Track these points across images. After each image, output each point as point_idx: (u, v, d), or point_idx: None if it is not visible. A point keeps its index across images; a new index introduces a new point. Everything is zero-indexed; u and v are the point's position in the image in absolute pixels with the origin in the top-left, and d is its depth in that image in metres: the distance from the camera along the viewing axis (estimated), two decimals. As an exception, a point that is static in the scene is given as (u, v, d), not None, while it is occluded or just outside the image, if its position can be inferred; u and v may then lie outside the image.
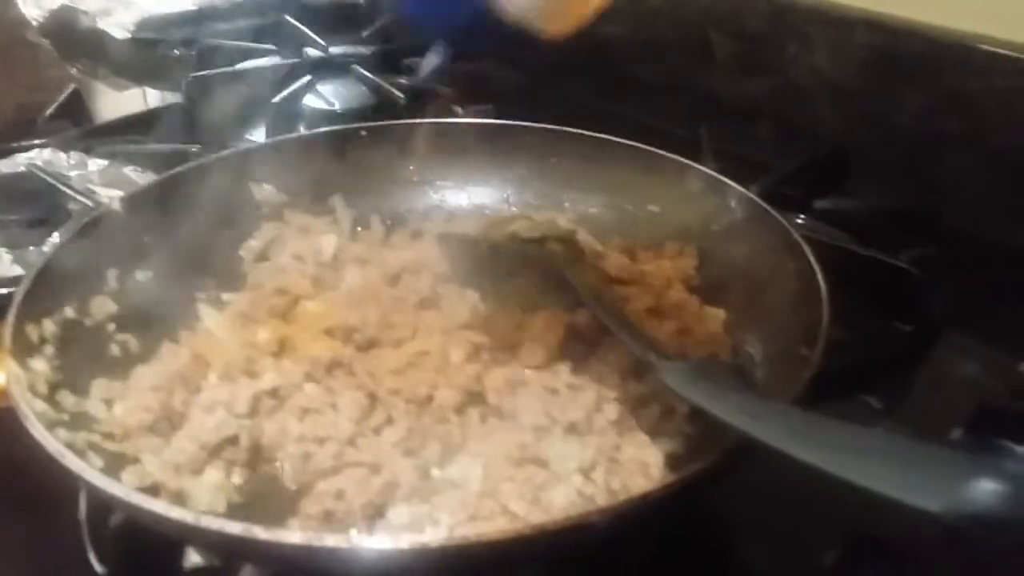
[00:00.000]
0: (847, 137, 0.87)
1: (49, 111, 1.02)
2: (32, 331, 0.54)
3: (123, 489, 0.44)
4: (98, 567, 0.53)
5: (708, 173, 0.66)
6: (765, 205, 0.62)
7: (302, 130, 0.93)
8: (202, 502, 0.50)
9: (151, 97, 1.17)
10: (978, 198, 0.79)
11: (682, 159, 0.68)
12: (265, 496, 0.52)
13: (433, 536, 0.44)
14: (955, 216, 0.77)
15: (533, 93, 1.04)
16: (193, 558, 0.52)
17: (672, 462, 0.51)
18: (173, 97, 1.11)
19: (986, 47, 0.78)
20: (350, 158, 0.73)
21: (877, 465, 0.36)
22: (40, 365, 0.53)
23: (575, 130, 0.73)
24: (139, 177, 0.90)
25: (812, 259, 0.56)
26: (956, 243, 0.75)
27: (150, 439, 0.53)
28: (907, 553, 0.51)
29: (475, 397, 0.55)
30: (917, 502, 0.33)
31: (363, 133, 0.73)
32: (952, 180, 0.81)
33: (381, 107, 0.99)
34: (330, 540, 0.40)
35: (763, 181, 0.74)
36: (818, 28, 0.89)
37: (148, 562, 0.52)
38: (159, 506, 0.42)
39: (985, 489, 0.31)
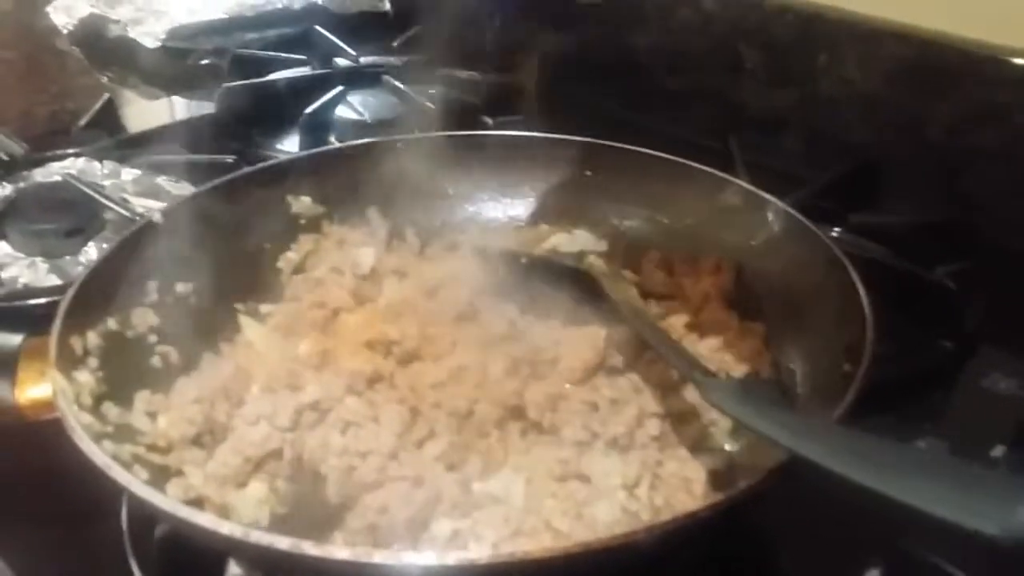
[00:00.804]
0: (878, 149, 0.87)
1: (83, 120, 1.03)
2: (76, 343, 0.54)
3: (170, 502, 0.44)
4: (141, 578, 0.53)
5: (745, 187, 0.66)
6: (804, 220, 0.62)
7: (334, 140, 0.94)
8: (246, 515, 0.50)
9: (178, 106, 1.18)
10: (1012, 211, 0.79)
11: (719, 172, 0.68)
12: (307, 509, 0.52)
13: (480, 552, 0.44)
14: (989, 229, 0.77)
15: (562, 104, 1.04)
16: (234, 570, 0.53)
17: (714, 479, 0.51)
18: (201, 107, 1.11)
19: (1017, 60, 0.78)
20: (386, 170, 0.73)
21: (929, 485, 0.36)
22: (84, 377, 0.53)
23: (611, 143, 0.72)
24: (173, 187, 0.91)
25: (854, 275, 0.55)
26: (991, 257, 0.75)
27: (194, 452, 0.53)
28: (948, 571, 0.50)
29: (515, 411, 0.55)
30: (973, 524, 0.33)
31: (399, 145, 0.73)
32: (985, 193, 0.80)
33: (411, 118, 0.99)
34: (379, 556, 0.41)
35: (797, 194, 0.74)
36: (847, 39, 0.89)
37: (190, 574, 0.53)
38: (207, 520, 0.42)
39: None
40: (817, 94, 0.92)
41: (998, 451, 0.58)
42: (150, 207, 0.83)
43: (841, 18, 0.90)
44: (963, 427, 0.63)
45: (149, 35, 1.22)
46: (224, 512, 0.50)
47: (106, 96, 1.07)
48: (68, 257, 0.82)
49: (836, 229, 0.76)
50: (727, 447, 0.54)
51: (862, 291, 0.54)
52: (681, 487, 0.50)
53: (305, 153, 0.76)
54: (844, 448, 0.40)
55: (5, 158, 0.94)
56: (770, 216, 0.64)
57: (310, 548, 0.40)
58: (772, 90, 0.96)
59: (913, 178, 0.84)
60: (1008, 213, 0.78)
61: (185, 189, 0.85)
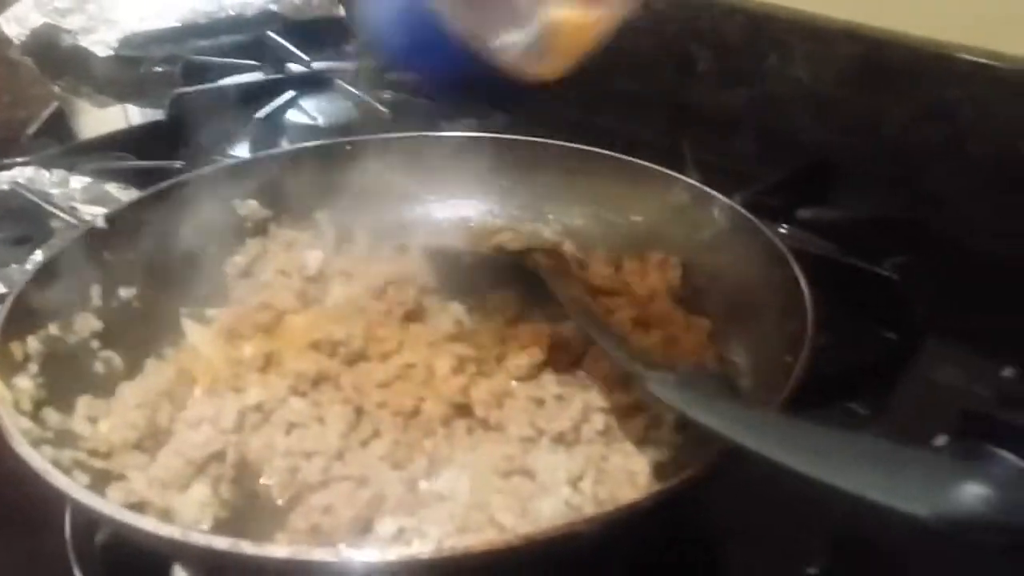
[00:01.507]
0: (829, 147, 0.87)
1: (32, 129, 1.02)
2: (16, 349, 0.53)
3: (110, 506, 0.43)
4: (84, 586, 0.52)
5: (692, 184, 0.67)
6: (749, 215, 0.62)
7: (286, 145, 0.93)
8: (188, 518, 0.50)
9: (132, 114, 1.17)
10: (960, 206, 0.80)
11: (666, 170, 0.69)
12: (252, 512, 0.52)
13: (421, 548, 0.44)
14: (937, 224, 0.78)
15: (516, 108, 1.05)
16: (179, 574, 0.52)
17: (659, 471, 0.51)
18: (155, 114, 1.11)
19: (966, 56, 0.79)
20: (334, 172, 0.72)
21: (864, 470, 0.36)
22: (24, 383, 0.52)
23: (559, 142, 0.73)
24: (122, 194, 0.90)
25: (797, 269, 0.56)
26: (938, 251, 0.76)
27: (136, 456, 0.53)
28: (896, 558, 0.51)
29: (461, 409, 0.55)
30: (904, 507, 0.33)
31: (347, 147, 0.73)
32: (934, 189, 0.81)
33: (365, 122, 0.99)
34: (317, 554, 0.41)
35: (745, 191, 0.75)
36: (797, 39, 0.89)
37: (135, 579, 0.52)
38: (146, 522, 0.42)
39: (971, 493, 0.32)
40: (768, 94, 0.93)
41: (941, 440, 0.59)
42: (97, 214, 0.82)
43: (791, 18, 0.90)
44: (907, 418, 0.63)
45: (101, 44, 1.21)
46: (167, 516, 0.49)
47: (55, 104, 1.06)
48: (15, 265, 0.81)
49: (784, 225, 0.77)
50: (672, 440, 0.54)
51: (803, 283, 0.55)
52: (626, 480, 0.50)
53: (251, 156, 0.76)
54: (783, 437, 0.40)
55: (-49, 167, 0.93)
56: (716, 213, 0.65)
57: (249, 548, 0.40)
58: (724, 90, 0.97)
59: (863, 175, 0.85)
60: (956, 208, 0.79)
61: (134, 196, 0.84)
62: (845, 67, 0.87)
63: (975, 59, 0.78)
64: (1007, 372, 0.64)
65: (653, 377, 0.47)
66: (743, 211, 0.63)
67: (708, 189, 0.66)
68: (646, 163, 0.69)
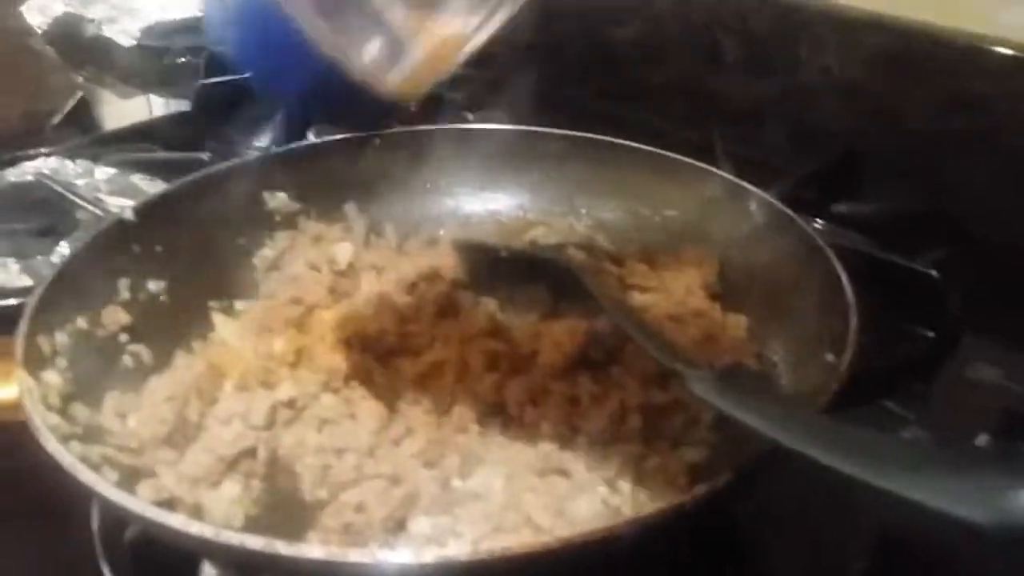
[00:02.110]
0: (858, 139, 0.86)
1: (56, 119, 1.02)
2: (44, 343, 0.53)
3: (139, 503, 0.43)
4: (113, 583, 0.52)
5: (727, 178, 0.65)
6: (786, 210, 0.61)
7: (311, 138, 0.92)
8: (219, 516, 0.49)
9: (156, 105, 1.17)
10: (992, 200, 0.78)
11: (700, 164, 0.68)
12: (283, 509, 0.51)
13: (458, 550, 0.43)
14: (970, 218, 0.76)
15: (541, 99, 1.04)
16: (208, 572, 0.52)
17: (697, 472, 0.50)
18: (178, 105, 1.10)
19: (997, 48, 0.77)
20: (363, 165, 0.72)
21: (915, 474, 0.35)
22: (52, 377, 0.52)
23: (590, 135, 0.72)
24: (148, 185, 0.89)
25: (837, 265, 0.55)
26: (972, 246, 0.74)
27: (165, 452, 0.52)
28: (938, 561, 0.50)
29: (495, 407, 0.54)
30: (961, 513, 0.32)
31: (377, 140, 0.72)
32: (965, 182, 0.80)
33: (390, 114, 0.98)
34: (353, 555, 0.40)
35: (778, 185, 0.74)
36: (826, 29, 0.88)
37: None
38: (177, 520, 0.41)
39: None
40: (797, 84, 0.91)
41: (982, 440, 0.57)
42: (124, 206, 0.82)
43: (820, 8, 0.89)
44: (946, 417, 0.62)
45: (124, 33, 1.21)
46: (196, 513, 0.49)
47: (79, 94, 1.05)
48: (40, 257, 0.81)
49: (818, 220, 0.75)
50: (710, 440, 0.53)
51: (845, 280, 0.54)
52: (664, 481, 0.49)
53: (280, 149, 0.75)
54: (829, 438, 0.39)
55: (-25, 158, 0.92)
56: (753, 207, 0.64)
57: (283, 548, 0.39)
58: (752, 81, 0.96)
59: (894, 168, 0.84)
60: (988, 202, 0.78)
61: (160, 187, 0.84)
62: (874, 58, 0.85)
63: (1004, 51, 0.77)
64: (1046, 370, 0.63)
65: (693, 375, 0.46)
66: (780, 206, 0.62)
67: (743, 183, 0.64)
68: (680, 156, 0.68)
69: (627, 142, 0.71)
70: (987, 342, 0.68)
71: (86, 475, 0.43)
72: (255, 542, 0.39)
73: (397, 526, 0.48)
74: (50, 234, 0.81)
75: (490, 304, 0.62)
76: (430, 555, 0.40)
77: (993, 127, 0.78)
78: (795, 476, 0.46)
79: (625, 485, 0.49)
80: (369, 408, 0.53)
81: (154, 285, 0.62)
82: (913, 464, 0.36)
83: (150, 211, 0.63)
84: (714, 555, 0.52)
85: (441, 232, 0.71)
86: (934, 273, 0.68)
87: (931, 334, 0.67)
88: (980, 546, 0.33)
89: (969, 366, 0.67)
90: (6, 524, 0.57)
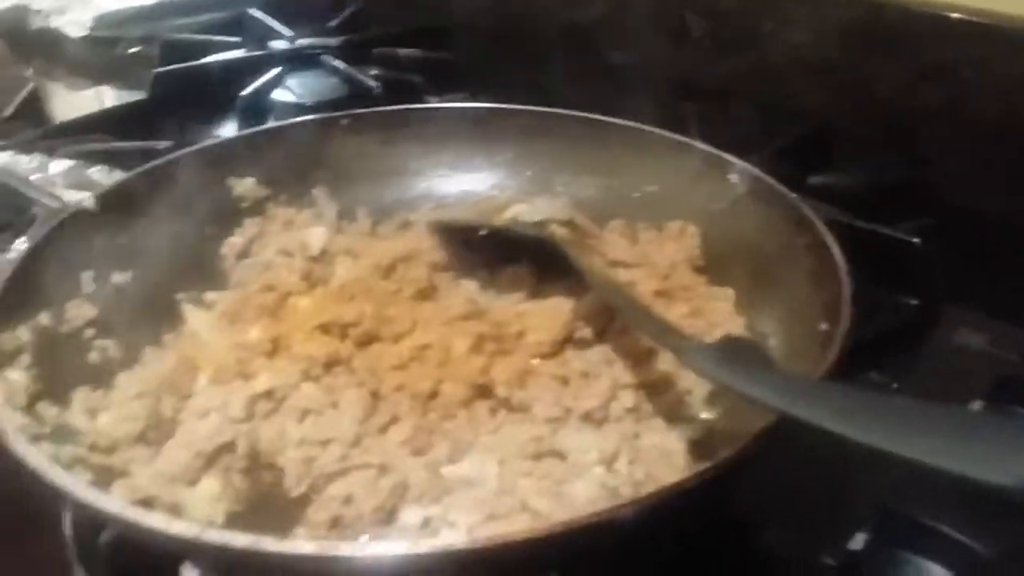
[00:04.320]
0: (829, 113, 0.86)
1: (7, 112, 0.98)
2: (7, 340, 0.50)
3: (116, 504, 0.40)
4: (88, 588, 0.50)
5: (707, 149, 0.64)
6: (770, 180, 0.60)
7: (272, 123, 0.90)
8: (199, 514, 0.47)
9: (107, 97, 1.13)
10: (966, 168, 0.78)
11: (679, 136, 0.66)
12: (266, 505, 0.48)
13: (454, 538, 0.42)
14: (946, 187, 0.76)
15: (507, 81, 1.02)
16: (189, 574, 0.49)
17: (694, 449, 0.49)
18: (130, 97, 1.07)
19: (960, 16, 0.77)
20: (332, 148, 0.70)
21: (932, 438, 0.34)
22: (17, 375, 0.49)
23: (564, 111, 0.70)
24: (105, 178, 0.86)
25: (826, 234, 0.54)
26: (949, 215, 0.74)
27: (139, 450, 0.49)
28: (939, 532, 0.49)
29: (482, 390, 0.52)
30: (982, 476, 0.31)
31: (344, 122, 0.70)
32: (939, 151, 0.80)
33: (354, 99, 0.96)
34: (345, 548, 0.38)
35: (752, 160, 0.72)
36: (793, 3, 0.87)
37: (142, 580, 0.50)
38: (157, 520, 0.39)
39: None
40: (765, 60, 0.90)
41: (976, 406, 0.57)
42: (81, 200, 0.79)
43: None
44: (935, 385, 0.61)
45: (74, 24, 1.17)
46: (175, 512, 0.46)
47: (30, 86, 1.02)
48: (-4, 254, 0.78)
49: (793, 193, 0.74)
50: (704, 416, 0.51)
51: (835, 248, 0.53)
52: (661, 459, 0.48)
53: (245, 132, 0.73)
54: (837, 405, 0.38)
55: (-76, 154, 0.88)
56: (734, 179, 0.62)
57: (271, 545, 0.37)
58: (720, 58, 0.95)
59: (867, 140, 0.83)
60: (963, 171, 0.78)
61: (123, 176, 0.81)
62: (841, 31, 0.84)
63: (974, 19, 0.76)
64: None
65: (690, 349, 0.45)
66: (764, 176, 0.61)
67: (725, 155, 0.63)
68: (658, 130, 0.67)
69: (602, 117, 0.69)
70: (971, 309, 0.67)
71: (59, 476, 0.40)
72: (241, 540, 0.37)
73: (387, 517, 0.46)
74: (5, 230, 0.78)
75: (470, 286, 0.61)
76: (426, 545, 0.38)
77: (960, 94, 0.78)
78: (792, 450, 0.45)
79: (623, 466, 0.47)
80: (352, 396, 0.51)
81: (119, 277, 0.59)
82: (926, 427, 0.35)
83: (111, 200, 0.61)
84: (709, 533, 0.50)
85: (415, 215, 0.69)
86: (917, 241, 0.67)
87: (915, 302, 0.67)
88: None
89: (955, 333, 0.66)
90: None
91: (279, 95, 0.96)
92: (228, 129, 0.93)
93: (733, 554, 0.51)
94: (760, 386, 0.40)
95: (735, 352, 0.44)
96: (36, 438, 0.45)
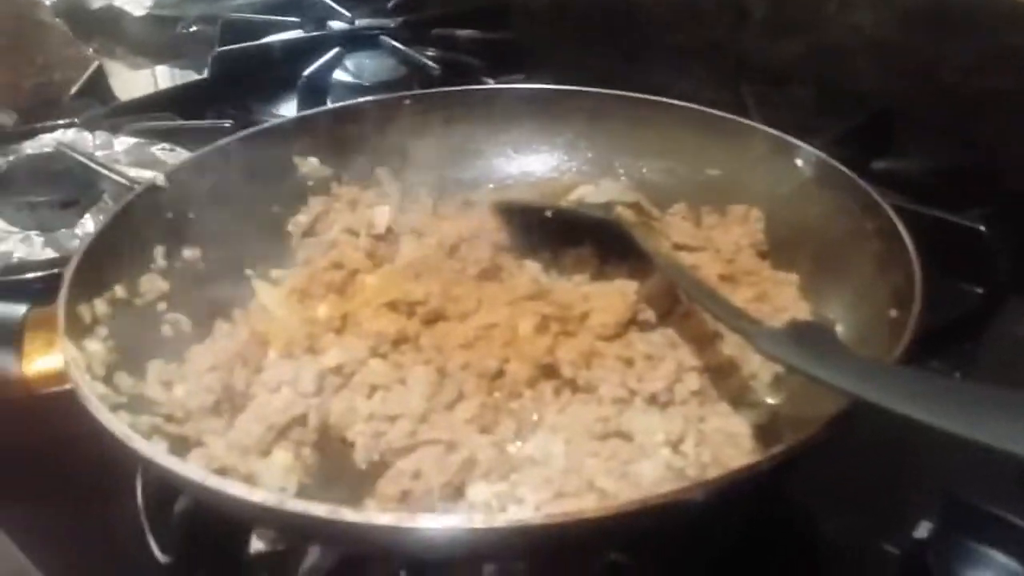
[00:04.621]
0: (891, 96, 0.84)
1: (74, 89, 0.99)
2: (84, 311, 0.51)
3: (200, 472, 0.41)
4: (160, 556, 0.51)
5: (773, 133, 0.64)
6: (837, 164, 0.59)
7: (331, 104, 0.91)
8: (272, 484, 0.48)
9: (161, 78, 1.15)
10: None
11: (743, 119, 0.66)
12: (336, 477, 0.50)
13: (531, 514, 0.42)
14: (1010, 174, 0.75)
15: (565, 63, 1.02)
16: (256, 544, 0.50)
17: (759, 433, 0.49)
18: (185, 76, 1.08)
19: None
20: (395, 128, 0.70)
21: (1011, 424, 0.33)
22: (95, 346, 0.50)
23: (627, 93, 0.70)
24: (168, 156, 0.88)
25: (895, 219, 0.53)
26: (1013, 201, 0.73)
27: (213, 421, 0.51)
28: (1005, 520, 0.48)
29: (547, 370, 0.53)
30: None
31: (408, 101, 0.71)
32: (1003, 137, 0.78)
33: (411, 80, 0.96)
34: (424, 521, 0.38)
35: (814, 144, 0.72)
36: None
37: (213, 549, 0.51)
38: (240, 489, 0.39)
39: None
40: (827, 42, 0.89)
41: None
42: (145, 178, 0.80)
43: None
44: (996, 374, 0.61)
45: (135, 3, 1.19)
46: (250, 482, 0.47)
47: (96, 63, 1.03)
48: (64, 230, 0.79)
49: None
50: (770, 400, 0.52)
51: (905, 234, 0.52)
52: (727, 442, 0.48)
53: (310, 112, 0.73)
54: (911, 390, 0.37)
55: (-7, 130, 0.90)
56: (800, 162, 0.62)
57: (350, 515, 0.38)
58: (780, 40, 0.94)
59: (930, 125, 0.82)
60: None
61: (181, 158, 0.82)
62: (905, 13, 0.83)
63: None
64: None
65: (763, 333, 0.45)
66: (831, 161, 0.60)
67: (791, 138, 0.63)
68: (722, 113, 0.67)
69: (664, 99, 0.69)
70: (1031, 298, 0.66)
71: (142, 445, 0.42)
72: (320, 509, 0.38)
73: (455, 493, 0.47)
74: (72, 206, 0.80)
75: (533, 267, 0.61)
76: (502, 519, 0.39)
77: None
78: (856, 436, 0.45)
79: (689, 448, 0.48)
80: (419, 373, 0.52)
81: (189, 252, 0.60)
82: (1002, 414, 0.34)
83: (182, 177, 0.62)
84: (774, 518, 0.51)
85: (476, 195, 0.69)
86: (982, 228, 0.66)
87: (979, 291, 0.66)
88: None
89: (1017, 324, 0.65)
90: (46, 501, 0.56)
91: (338, 75, 0.97)
92: (287, 109, 0.94)
93: (794, 540, 0.51)
94: (833, 370, 0.40)
95: (807, 336, 0.44)
96: (115, 408, 0.47)
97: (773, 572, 0.49)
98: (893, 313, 0.49)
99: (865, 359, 0.44)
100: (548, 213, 0.62)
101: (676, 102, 0.68)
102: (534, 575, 0.48)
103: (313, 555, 0.49)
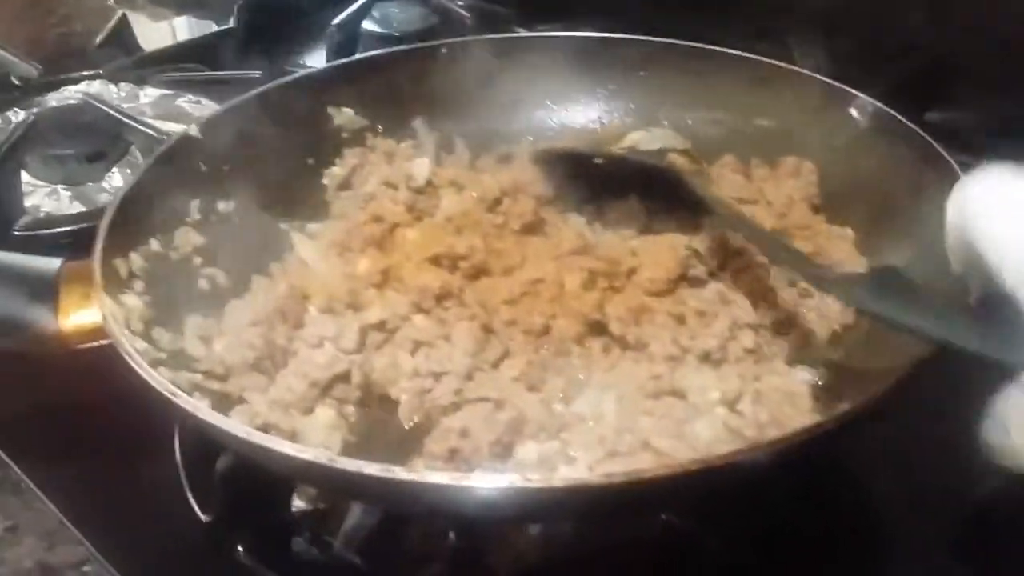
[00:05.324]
0: (945, 46, 0.81)
1: (99, 39, 0.97)
2: (120, 265, 0.50)
3: (245, 429, 0.40)
4: (202, 515, 0.50)
5: (828, 81, 0.61)
6: (895, 113, 0.57)
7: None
8: (316, 442, 0.47)
9: (179, 30, 1.12)
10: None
11: (795, 68, 0.63)
12: (381, 435, 0.48)
13: (586, 473, 0.41)
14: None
15: (599, 12, 0.98)
16: (298, 503, 0.49)
17: (818, 390, 0.48)
18: (207, 27, 1.06)
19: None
20: (431, 78, 0.68)
21: None
22: (132, 301, 0.49)
23: (672, 40, 0.67)
24: (195, 108, 0.86)
25: (958, 171, 0.51)
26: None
27: (254, 377, 0.49)
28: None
29: (596, 327, 0.51)
30: None
31: (444, 51, 0.68)
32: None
33: (442, 29, 0.94)
34: (477, 479, 0.37)
35: (867, 93, 0.69)
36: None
37: (254, 508, 0.50)
38: (288, 447, 0.38)
39: None
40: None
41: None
42: (173, 130, 0.78)
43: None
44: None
45: (156, -48, 1.16)
46: (293, 439, 0.46)
47: (120, 13, 1.01)
48: (91, 184, 0.78)
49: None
50: (826, 359, 0.50)
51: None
52: (785, 401, 0.46)
53: (343, 61, 0.71)
54: (996, 333, 0.36)
55: (17, 82, 0.89)
56: (855, 113, 0.59)
57: (403, 473, 0.36)
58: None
59: (986, 76, 0.79)
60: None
61: (208, 111, 0.80)
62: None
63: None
64: None
65: (841, 282, 0.43)
66: (888, 109, 0.58)
67: (847, 87, 0.60)
68: (772, 61, 0.64)
69: (711, 47, 0.66)
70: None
71: (185, 401, 0.40)
72: (372, 467, 0.36)
73: (504, 452, 0.45)
74: (100, 159, 0.78)
75: (578, 220, 0.59)
76: (559, 479, 0.38)
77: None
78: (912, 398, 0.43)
79: (745, 406, 0.46)
80: (463, 330, 0.51)
81: (224, 205, 0.59)
82: None
83: (215, 127, 0.60)
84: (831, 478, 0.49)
85: (516, 147, 0.67)
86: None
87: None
88: None
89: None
90: (82, 458, 0.55)
91: (366, 25, 0.94)
92: (316, 59, 0.92)
93: (851, 502, 0.50)
94: (920, 316, 0.38)
95: (890, 282, 0.42)
96: (155, 363, 0.45)
97: (828, 537, 0.48)
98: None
99: (949, 304, 0.41)
100: (599, 160, 0.60)
101: (723, 50, 0.66)
102: (579, 535, 0.47)
103: (355, 514, 0.48)
